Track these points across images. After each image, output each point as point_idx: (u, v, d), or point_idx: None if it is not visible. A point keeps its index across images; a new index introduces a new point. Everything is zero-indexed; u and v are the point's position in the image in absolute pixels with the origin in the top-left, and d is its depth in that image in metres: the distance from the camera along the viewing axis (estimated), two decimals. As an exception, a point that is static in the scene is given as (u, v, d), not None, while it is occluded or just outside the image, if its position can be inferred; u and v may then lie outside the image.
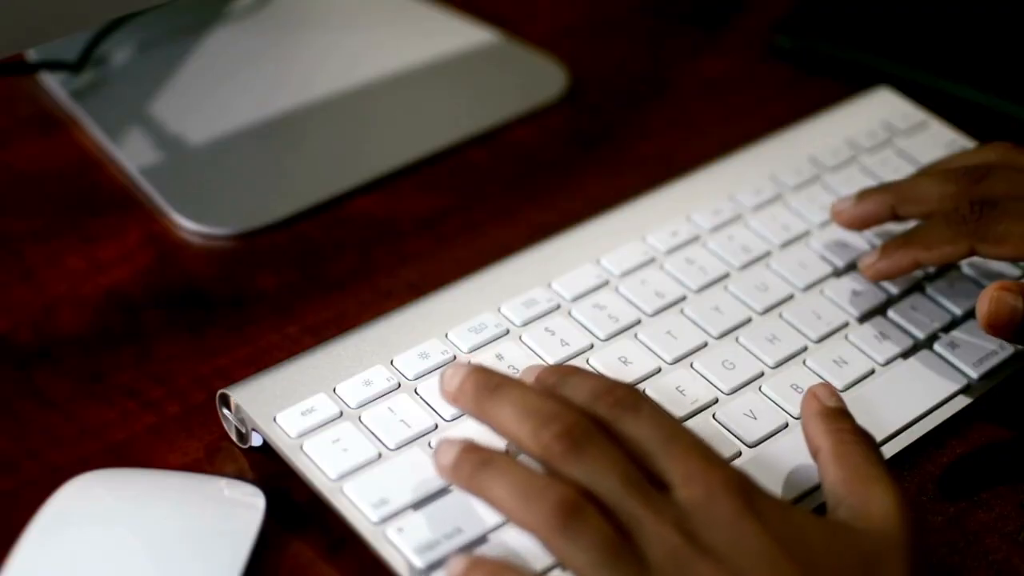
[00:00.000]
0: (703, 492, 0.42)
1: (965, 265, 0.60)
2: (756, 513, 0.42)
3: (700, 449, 0.43)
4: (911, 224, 0.57)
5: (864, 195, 0.57)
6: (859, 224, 0.57)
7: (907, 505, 0.44)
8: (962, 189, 0.55)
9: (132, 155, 0.65)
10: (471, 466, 0.43)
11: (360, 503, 0.47)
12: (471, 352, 0.53)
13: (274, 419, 0.50)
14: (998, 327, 0.51)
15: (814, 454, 0.47)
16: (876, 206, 0.57)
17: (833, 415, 0.48)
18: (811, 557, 0.42)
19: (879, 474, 0.45)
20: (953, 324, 0.57)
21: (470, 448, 0.44)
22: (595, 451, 0.43)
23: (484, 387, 0.45)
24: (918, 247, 0.55)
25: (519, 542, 0.46)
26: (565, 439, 0.43)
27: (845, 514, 0.44)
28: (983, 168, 0.56)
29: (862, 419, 0.48)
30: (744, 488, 0.43)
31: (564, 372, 0.46)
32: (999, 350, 0.56)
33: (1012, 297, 0.51)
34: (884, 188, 0.57)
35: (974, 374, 0.55)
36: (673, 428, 0.44)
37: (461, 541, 0.46)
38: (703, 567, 0.41)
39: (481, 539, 0.47)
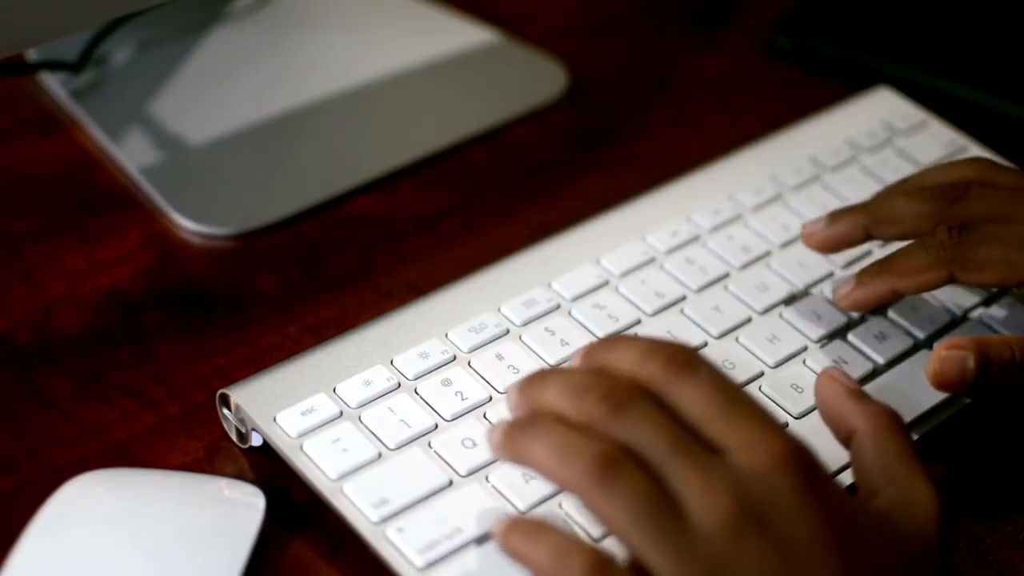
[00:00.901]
0: (767, 461, 0.39)
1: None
2: (817, 493, 0.40)
3: (763, 416, 0.41)
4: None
5: (836, 216, 0.55)
6: (831, 247, 0.55)
7: (943, 508, 0.43)
8: (938, 209, 0.53)
9: (132, 155, 0.65)
10: (515, 433, 0.41)
11: (360, 503, 0.47)
12: (471, 352, 0.53)
13: (274, 419, 0.50)
14: (947, 387, 0.51)
15: (846, 436, 0.45)
16: (848, 228, 0.55)
17: (864, 397, 0.46)
18: (861, 548, 0.40)
19: (919, 469, 0.44)
20: (953, 324, 0.57)
21: (516, 419, 0.42)
22: (638, 411, 0.40)
23: (530, 378, 0.43)
24: (895, 275, 0.53)
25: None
26: (606, 402, 0.41)
27: (884, 504, 0.43)
28: (960, 186, 0.54)
29: (862, 419, 0.48)
30: (808, 463, 0.40)
31: (611, 341, 0.44)
32: (999, 350, 0.56)
33: (960, 356, 0.50)
34: (857, 209, 0.55)
35: (974, 374, 0.55)
36: (734, 391, 0.41)
37: (461, 541, 0.46)
38: (754, 540, 0.39)
39: (481, 539, 0.47)
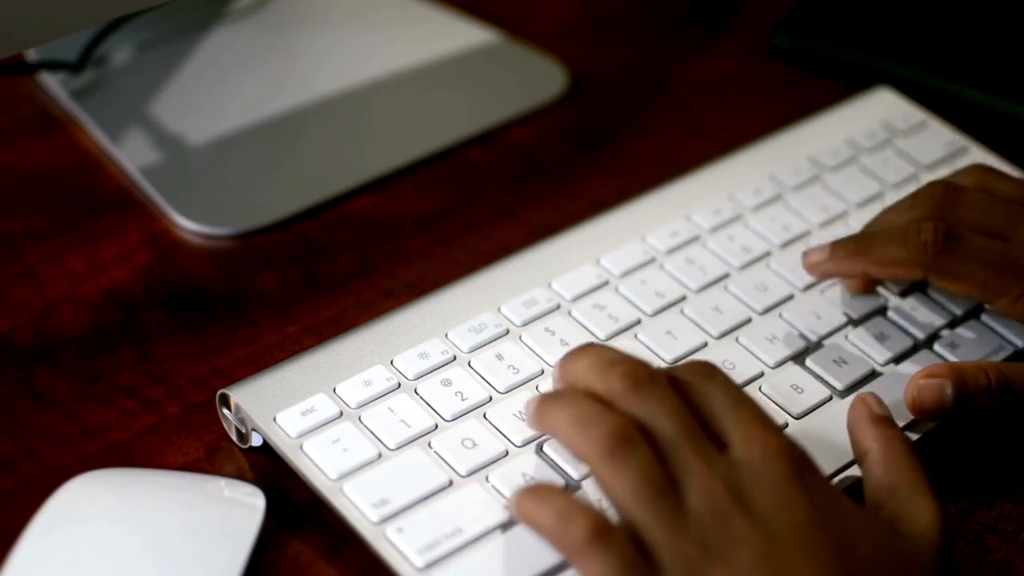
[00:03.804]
0: (759, 453, 0.43)
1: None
2: (804, 484, 0.42)
3: (764, 418, 0.44)
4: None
5: (837, 255, 0.55)
6: (831, 277, 0.57)
7: (947, 522, 0.44)
8: (932, 213, 0.54)
9: (132, 155, 0.65)
10: (544, 404, 0.45)
11: (360, 503, 0.47)
12: (471, 352, 0.53)
13: (274, 419, 0.50)
14: (925, 414, 0.52)
15: (860, 456, 0.48)
16: (849, 270, 0.55)
17: (883, 422, 0.48)
18: (848, 541, 0.42)
19: (924, 486, 0.45)
20: (953, 324, 0.57)
21: (550, 391, 0.46)
22: (657, 393, 0.43)
23: (568, 352, 0.46)
24: (870, 261, 0.53)
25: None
26: (629, 378, 0.44)
27: (885, 515, 0.45)
28: (955, 190, 0.54)
29: (862, 419, 0.48)
30: (800, 460, 0.43)
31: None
32: (999, 350, 0.56)
33: (939, 384, 0.51)
34: (856, 249, 0.55)
35: (974, 374, 0.55)
36: (742, 396, 0.45)
37: (461, 541, 0.46)
38: (740, 522, 0.41)
39: (481, 539, 0.47)
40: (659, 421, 0.43)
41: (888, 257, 0.53)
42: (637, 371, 0.44)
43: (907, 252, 0.53)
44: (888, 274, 0.54)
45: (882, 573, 0.42)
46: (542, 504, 0.43)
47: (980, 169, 0.57)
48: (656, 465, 0.42)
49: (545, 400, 0.45)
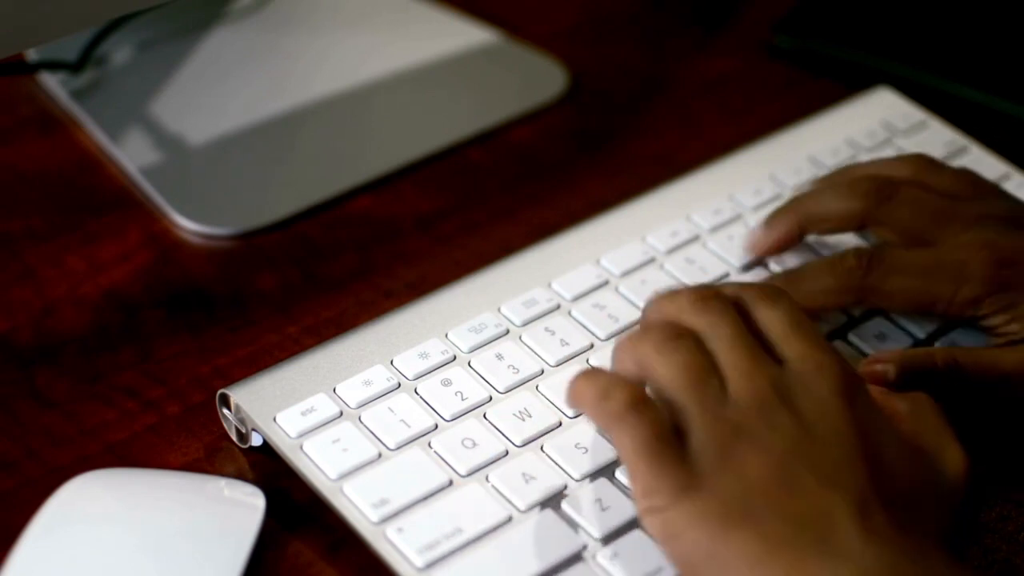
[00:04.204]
0: (812, 367, 0.44)
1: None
2: (851, 401, 0.44)
3: (822, 341, 0.45)
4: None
5: (771, 221, 0.57)
6: (775, 252, 0.58)
7: (972, 471, 0.45)
8: (867, 208, 0.55)
9: (132, 155, 0.65)
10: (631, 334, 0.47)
11: (360, 503, 0.47)
12: (471, 352, 0.53)
13: (274, 419, 0.50)
14: None
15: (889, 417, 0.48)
16: (785, 231, 0.57)
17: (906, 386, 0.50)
18: (884, 461, 0.43)
19: (954, 438, 0.46)
20: (953, 324, 0.57)
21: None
22: (718, 306, 0.45)
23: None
24: (802, 296, 0.53)
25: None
26: (695, 293, 0.46)
27: (920, 455, 0.45)
28: (892, 185, 0.55)
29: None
30: (851, 379, 0.45)
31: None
32: (999, 350, 0.56)
33: (882, 369, 0.51)
34: (790, 209, 0.57)
35: (974, 374, 0.55)
36: (803, 319, 0.46)
37: (461, 541, 0.46)
38: (780, 414, 0.43)
39: (481, 539, 0.47)
40: (716, 329, 0.45)
41: (819, 289, 0.54)
42: (700, 289, 0.46)
43: (836, 281, 0.53)
44: (821, 306, 0.54)
45: (909, 497, 0.43)
46: (587, 383, 0.45)
47: (919, 160, 0.58)
48: (703, 357, 0.44)
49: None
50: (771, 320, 0.46)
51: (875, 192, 0.55)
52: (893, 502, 0.42)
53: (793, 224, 0.57)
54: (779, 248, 0.57)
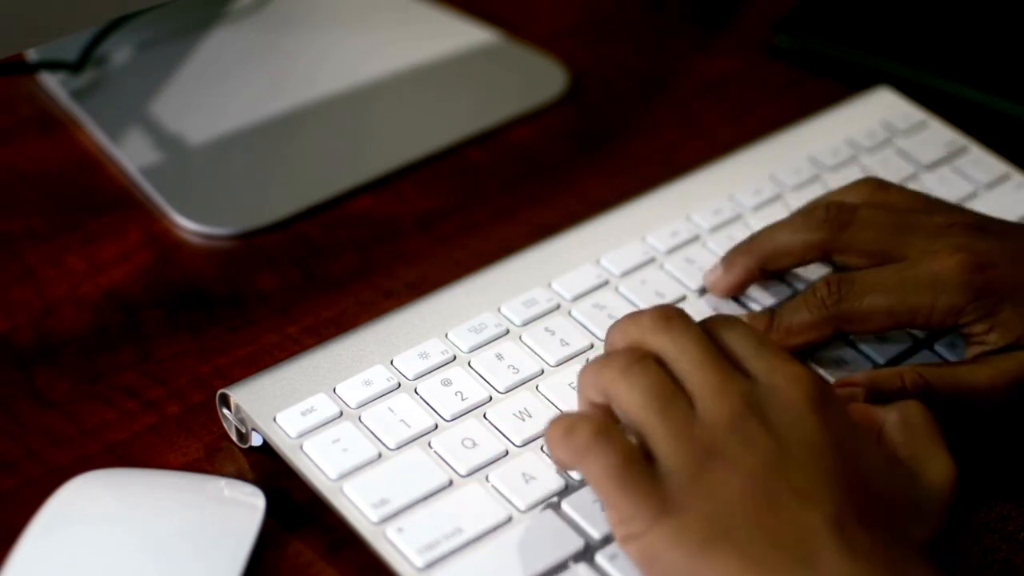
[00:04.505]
0: (782, 380, 0.44)
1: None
2: (824, 411, 0.43)
3: (787, 354, 0.45)
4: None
5: (728, 262, 0.56)
6: (734, 292, 0.56)
7: (958, 480, 0.45)
8: (827, 237, 0.54)
9: (132, 155, 0.65)
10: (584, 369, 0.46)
11: (360, 503, 0.47)
12: (471, 352, 0.53)
13: (274, 419, 0.50)
14: None
15: (879, 427, 0.47)
16: (743, 271, 0.56)
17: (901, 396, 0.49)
18: (860, 470, 0.43)
19: (943, 446, 0.46)
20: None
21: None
22: (683, 326, 0.45)
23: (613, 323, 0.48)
24: (782, 335, 0.53)
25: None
26: (656, 314, 0.46)
27: (902, 464, 0.45)
28: (847, 210, 0.54)
29: (862, 419, 0.48)
30: (822, 389, 0.44)
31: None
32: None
33: (849, 393, 0.50)
34: (747, 248, 0.56)
35: (974, 374, 0.55)
36: (765, 338, 0.46)
37: (461, 541, 0.46)
38: (753, 429, 0.42)
39: (481, 539, 0.47)
40: (681, 348, 0.44)
41: (796, 325, 0.53)
42: (663, 309, 0.46)
43: (812, 315, 0.53)
44: (803, 341, 0.53)
45: (889, 507, 0.43)
46: (553, 424, 0.44)
47: (869, 183, 0.57)
48: (668, 380, 0.43)
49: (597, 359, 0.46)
50: (735, 338, 0.45)
51: (832, 220, 0.54)
52: (872, 514, 0.42)
53: (752, 263, 0.56)
54: (738, 289, 0.56)
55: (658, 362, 0.44)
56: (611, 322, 0.55)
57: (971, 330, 0.53)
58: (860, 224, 0.54)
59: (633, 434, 0.44)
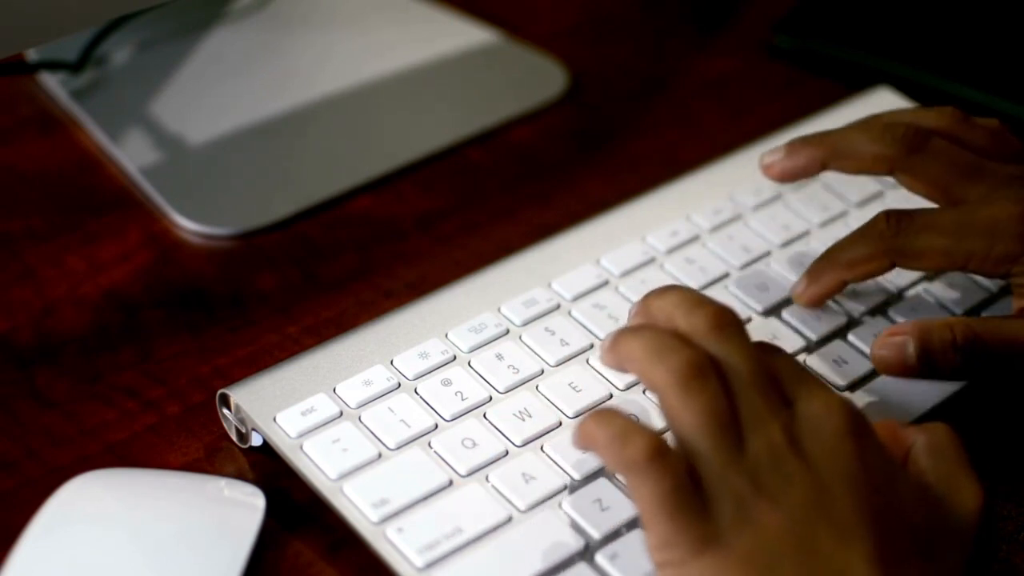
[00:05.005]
0: (820, 409, 0.44)
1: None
2: (858, 441, 0.43)
3: (826, 385, 0.45)
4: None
5: (794, 148, 0.56)
6: (790, 177, 0.56)
7: (986, 508, 0.45)
8: (896, 154, 0.54)
9: (132, 155, 0.65)
10: (621, 336, 0.45)
11: (360, 503, 0.47)
12: (471, 352, 0.53)
13: (274, 419, 0.50)
14: (890, 371, 0.53)
15: (906, 450, 0.47)
16: (807, 160, 0.55)
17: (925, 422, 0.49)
18: (894, 500, 0.43)
19: (971, 471, 0.46)
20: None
21: (627, 326, 0.46)
22: (737, 336, 0.44)
23: (653, 290, 0.47)
24: (841, 267, 0.54)
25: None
26: (715, 318, 0.45)
27: (932, 491, 0.45)
28: (922, 134, 0.54)
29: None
30: (857, 420, 0.44)
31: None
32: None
33: (901, 342, 0.51)
34: (816, 140, 0.56)
35: (974, 374, 0.55)
36: (804, 367, 0.47)
37: (461, 541, 0.46)
38: (792, 465, 0.42)
39: (481, 539, 0.47)
40: (735, 363, 0.44)
41: (855, 257, 0.54)
42: (723, 314, 0.45)
43: (869, 247, 0.53)
44: (862, 273, 0.54)
45: (922, 535, 0.43)
46: (601, 425, 0.43)
47: (952, 114, 0.57)
48: (725, 401, 0.43)
49: (624, 332, 0.45)
50: (777, 361, 0.45)
51: (907, 139, 0.54)
52: (907, 545, 0.42)
53: (817, 155, 0.55)
54: (796, 176, 0.56)
55: (719, 380, 0.43)
56: (611, 322, 0.55)
57: (1022, 280, 0.53)
58: (932, 153, 0.54)
59: (677, 441, 0.43)
